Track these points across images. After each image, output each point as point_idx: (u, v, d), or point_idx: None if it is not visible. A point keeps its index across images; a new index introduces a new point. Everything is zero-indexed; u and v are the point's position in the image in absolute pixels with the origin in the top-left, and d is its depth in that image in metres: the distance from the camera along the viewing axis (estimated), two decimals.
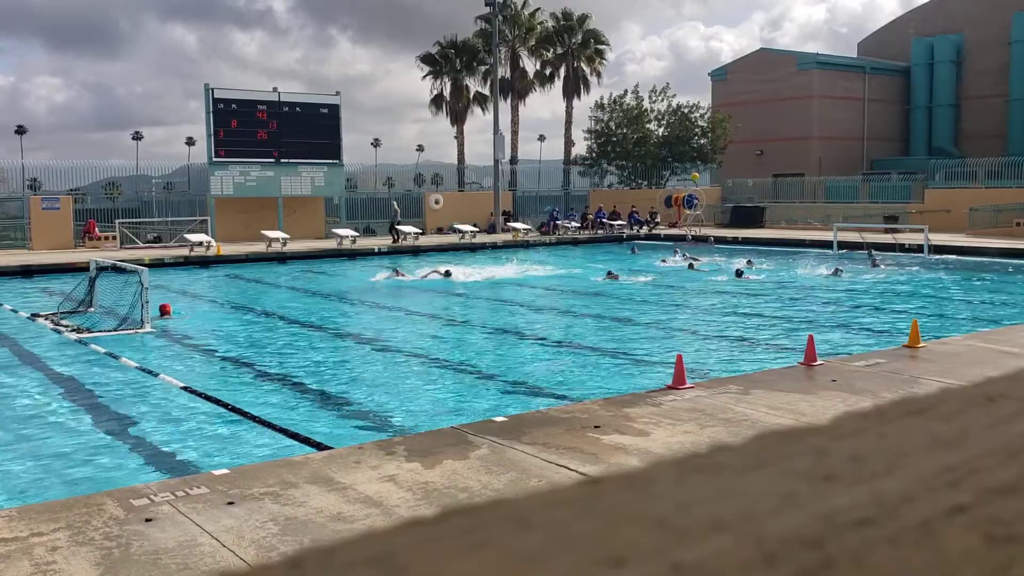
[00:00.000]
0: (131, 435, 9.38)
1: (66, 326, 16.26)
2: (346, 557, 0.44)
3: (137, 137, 53.83)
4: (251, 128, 35.39)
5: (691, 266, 26.53)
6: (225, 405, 10.27)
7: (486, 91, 51.39)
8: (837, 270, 23.80)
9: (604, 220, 39.65)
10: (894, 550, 0.42)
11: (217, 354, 14.31)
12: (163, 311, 17.32)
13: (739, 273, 23.81)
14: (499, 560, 0.42)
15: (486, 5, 40.57)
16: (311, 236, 35.74)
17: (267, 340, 15.46)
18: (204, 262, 28.43)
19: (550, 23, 52.34)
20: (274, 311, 18.62)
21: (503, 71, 50.20)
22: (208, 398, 10.61)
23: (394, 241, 33.36)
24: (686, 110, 47.30)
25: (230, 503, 5.97)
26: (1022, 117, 48.92)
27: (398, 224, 34.17)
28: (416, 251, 32.60)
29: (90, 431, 9.55)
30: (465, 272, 24.42)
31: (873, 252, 27.45)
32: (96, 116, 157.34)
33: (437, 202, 40.54)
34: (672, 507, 0.47)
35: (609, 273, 23.73)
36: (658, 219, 40.92)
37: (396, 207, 34.91)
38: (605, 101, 48.20)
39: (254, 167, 35.58)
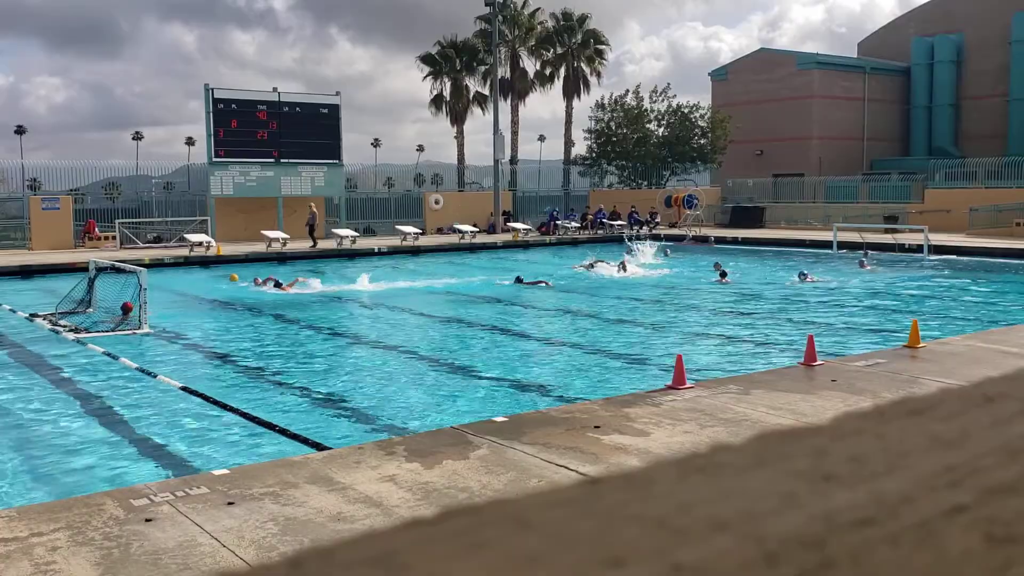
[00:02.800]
0: (131, 435, 9.38)
1: (64, 326, 16.25)
2: (346, 557, 0.44)
3: (137, 137, 53.89)
4: (251, 128, 35.39)
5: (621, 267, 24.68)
6: (224, 406, 10.28)
7: (486, 91, 51.43)
8: (802, 275, 22.38)
9: (604, 220, 39.65)
10: (894, 550, 0.42)
11: (215, 354, 14.31)
12: (125, 309, 16.65)
13: (723, 275, 22.81)
14: (499, 560, 0.42)
15: (486, 5, 40.58)
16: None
17: (265, 340, 15.46)
18: (204, 262, 28.44)
19: (550, 23, 52.39)
20: (270, 311, 18.61)
21: (503, 71, 50.24)
22: (207, 398, 10.61)
23: (312, 246, 31.60)
24: (686, 110, 47.33)
25: (230, 503, 5.97)
26: (1022, 117, 48.92)
27: (314, 228, 32.27)
28: (416, 251, 32.64)
29: (89, 431, 9.55)
30: (315, 285, 22.47)
31: (869, 253, 27.36)
32: (96, 116, 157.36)
33: (437, 202, 40.55)
34: (672, 507, 0.47)
35: (518, 279, 22.44)
36: (658, 219, 40.93)
37: (314, 209, 33.01)
38: (605, 101, 48.28)
39: (254, 167, 35.59)
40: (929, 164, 43.34)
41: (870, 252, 28.66)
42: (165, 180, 41.68)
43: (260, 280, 22.80)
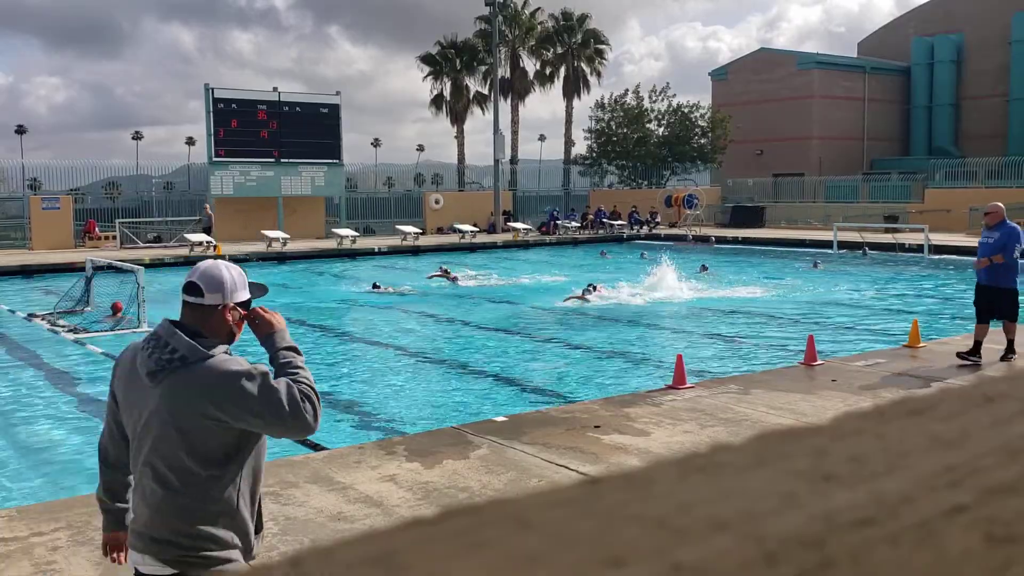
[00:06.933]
0: None
1: (63, 326, 16.23)
2: (346, 557, 0.44)
3: (137, 137, 53.92)
4: (251, 128, 35.39)
5: (454, 279, 22.67)
6: None
7: (486, 91, 51.46)
8: (591, 286, 20.15)
9: (604, 220, 39.67)
10: (894, 550, 0.42)
11: None
12: (115, 309, 16.56)
13: (703, 268, 22.95)
14: (499, 560, 0.42)
15: (486, 5, 40.59)
16: (311, 236, 35.76)
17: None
18: None
19: (550, 23, 52.42)
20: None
21: (503, 71, 50.26)
22: None
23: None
24: (686, 110, 47.35)
25: None
26: (1022, 117, 48.94)
27: (210, 230, 30.65)
28: (416, 251, 32.64)
29: (88, 431, 9.54)
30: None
31: (867, 252, 27.18)
32: (96, 116, 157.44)
33: (437, 202, 40.56)
34: (672, 507, 0.47)
35: (375, 285, 21.31)
36: (658, 219, 40.95)
37: (208, 210, 31.22)
38: (605, 101, 48.31)
39: (254, 167, 35.59)
40: (929, 164, 43.35)
41: (869, 251, 28.69)
42: (165, 180, 41.71)
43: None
